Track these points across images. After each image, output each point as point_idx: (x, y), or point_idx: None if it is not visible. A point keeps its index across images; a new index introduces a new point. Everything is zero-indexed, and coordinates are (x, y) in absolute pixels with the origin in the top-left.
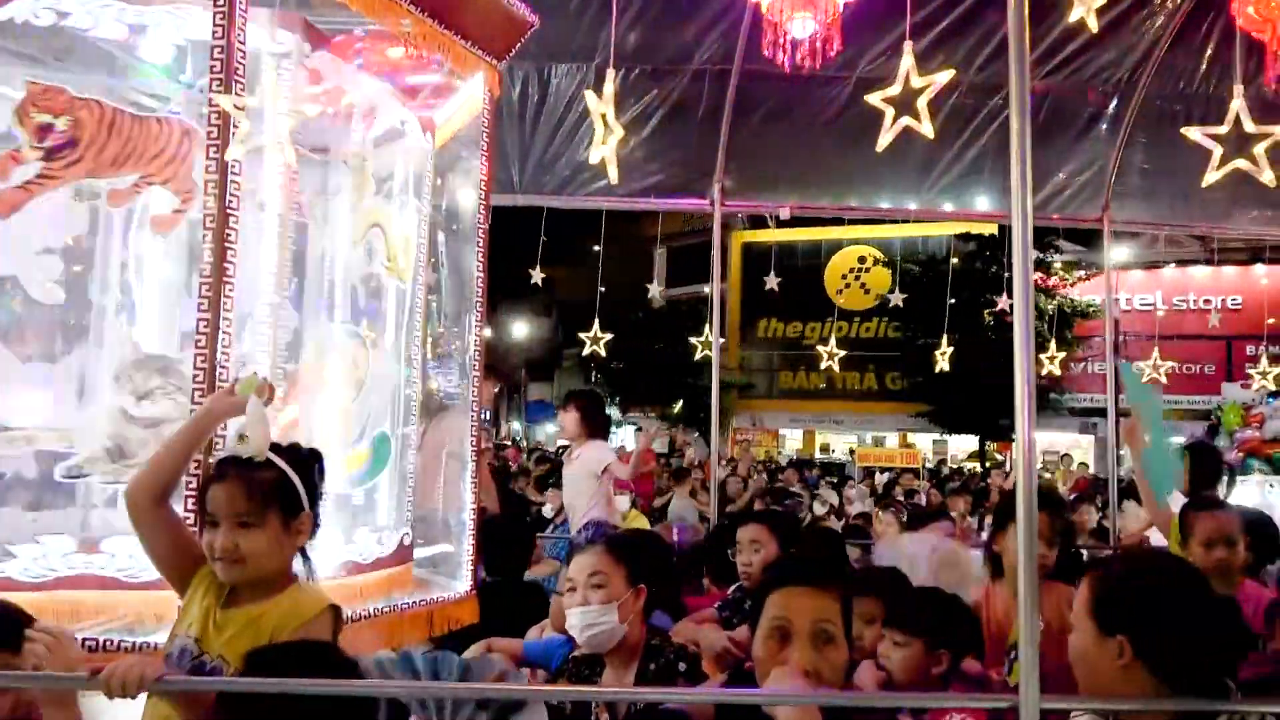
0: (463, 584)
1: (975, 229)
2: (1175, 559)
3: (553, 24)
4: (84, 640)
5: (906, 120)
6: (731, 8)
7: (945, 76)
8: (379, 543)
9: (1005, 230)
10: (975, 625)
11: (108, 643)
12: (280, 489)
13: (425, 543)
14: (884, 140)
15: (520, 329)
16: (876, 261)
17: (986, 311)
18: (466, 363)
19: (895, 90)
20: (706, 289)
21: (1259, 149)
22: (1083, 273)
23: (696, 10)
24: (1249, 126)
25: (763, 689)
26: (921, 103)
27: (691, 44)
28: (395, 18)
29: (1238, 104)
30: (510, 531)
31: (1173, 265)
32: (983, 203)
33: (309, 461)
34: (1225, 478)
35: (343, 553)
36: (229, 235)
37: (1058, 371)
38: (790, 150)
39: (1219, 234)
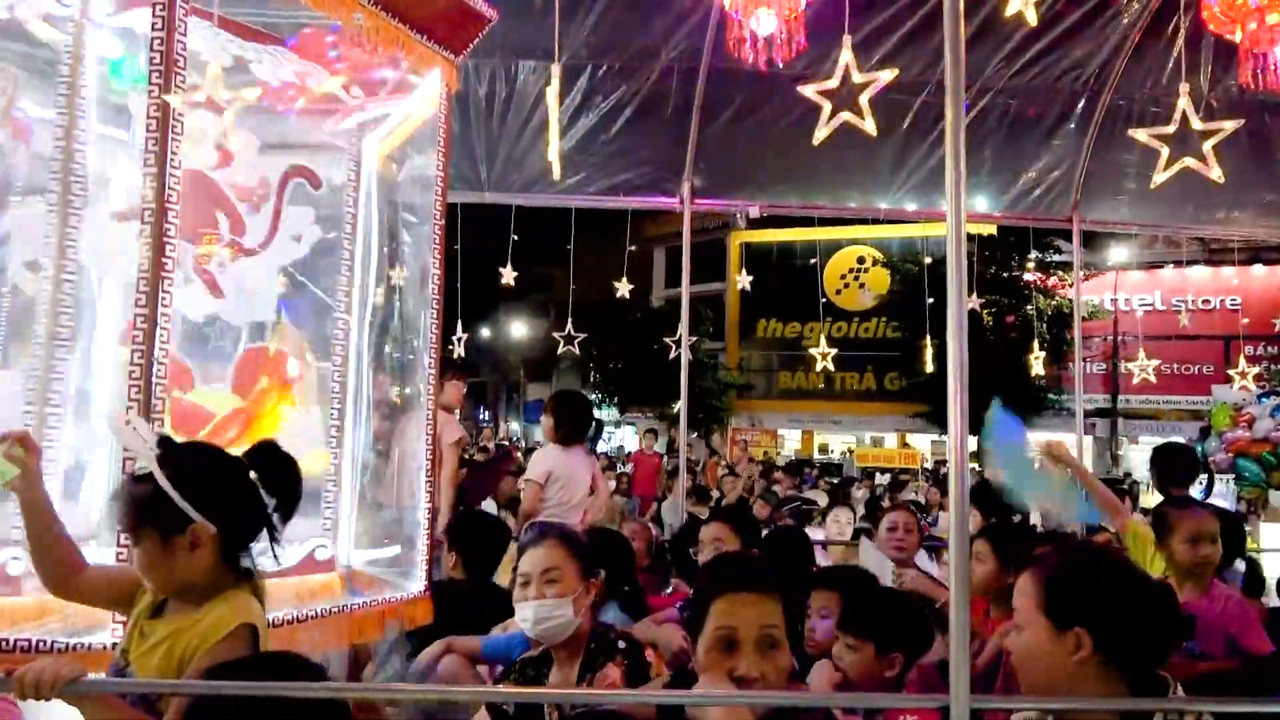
0: (416, 584)
1: (973, 229)
2: (1104, 549)
3: (519, 20)
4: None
5: (846, 115)
6: (698, 5)
7: (888, 75)
8: (331, 543)
9: (1002, 230)
10: (929, 628)
11: (40, 644)
12: (153, 507)
13: (390, 541)
14: (820, 134)
15: (519, 329)
16: (875, 262)
17: (985, 312)
18: (425, 362)
19: (834, 84)
20: (708, 288)
21: (1207, 146)
22: (1083, 273)
23: (664, 7)
24: (1196, 124)
25: (703, 691)
26: (864, 99)
27: (659, 41)
28: (348, 11)
29: (1184, 102)
30: (483, 530)
31: (1170, 266)
32: None
33: (216, 467)
34: (1204, 478)
35: (292, 552)
36: (167, 230)
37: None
38: (759, 149)
39: (1187, 234)
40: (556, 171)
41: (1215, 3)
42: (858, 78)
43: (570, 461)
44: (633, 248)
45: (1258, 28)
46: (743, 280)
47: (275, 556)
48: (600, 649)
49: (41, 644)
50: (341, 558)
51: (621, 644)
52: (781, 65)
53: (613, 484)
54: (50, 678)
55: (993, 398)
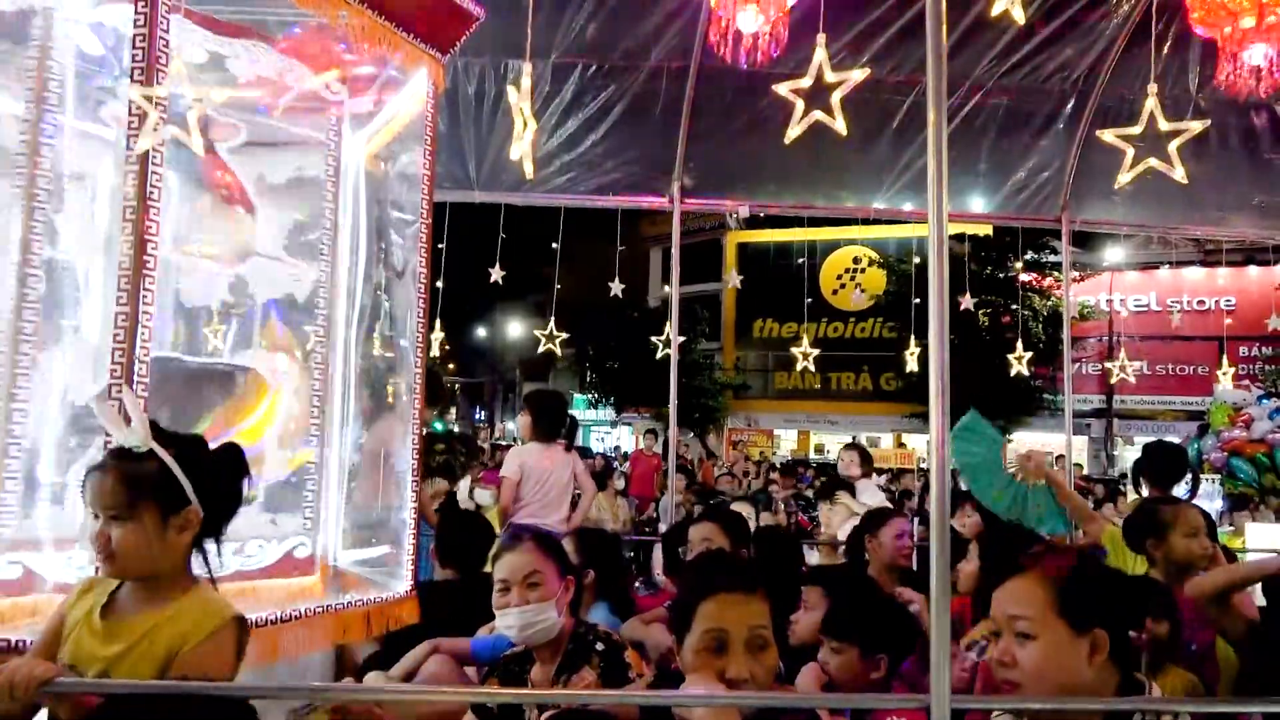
0: (402, 584)
1: (968, 229)
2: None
3: (509, 19)
4: None
5: (818, 114)
6: (688, 4)
7: (860, 74)
8: (314, 542)
9: (998, 230)
10: (914, 629)
11: (20, 644)
12: (158, 482)
13: (376, 541)
14: (791, 133)
15: (515, 328)
16: (872, 262)
17: (982, 312)
18: (410, 361)
19: (806, 83)
20: (704, 288)
21: (1171, 147)
22: (1077, 274)
23: (653, 7)
24: (1162, 124)
25: (687, 692)
26: (835, 98)
27: (649, 41)
28: (333, 9)
29: (1151, 103)
30: (472, 527)
31: (1166, 267)
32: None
33: (205, 455)
34: (1189, 479)
35: (277, 552)
36: (149, 227)
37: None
38: (749, 149)
39: (1176, 235)
40: (529, 171)
41: (1203, 3)
42: (831, 76)
43: (547, 458)
44: (623, 248)
45: (1254, 24)
46: (732, 279)
47: (218, 554)
48: (578, 650)
49: (22, 644)
50: (327, 557)
51: (599, 645)
52: (768, 65)
53: (621, 484)
54: (24, 678)
55: (971, 406)
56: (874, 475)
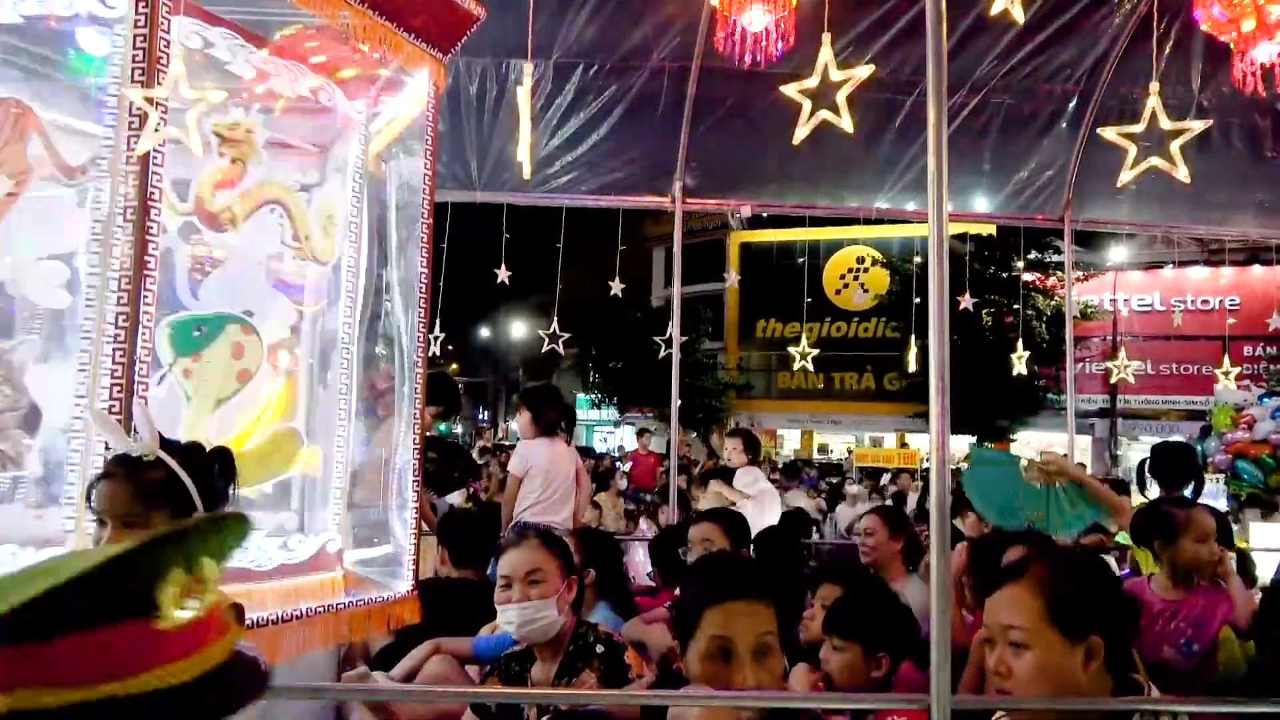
0: (403, 583)
1: (973, 229)
2: (1078, 549)
3: (511, 19)
4: None
5: (824, 114)
6: (689, 4)
7: (865, 71)
8: (315, 542)
9: (1001, 230)
10: (915, 628)
11: None
12: (168, 490)
13: (379, 541)
14: (800, 133)
15: (519, 329)
16: (875, 262)
17: (985, 312)
18: (411, 362)
19: (813, 83)
20: (707, 288)
21: (1174, 146)
22: (1080, 273)
23: (655, 7)
24: (1165, 123)
25: (685, 692)
26: (841, 97)
27: (651, 41)
28: (334, 10)
29: (1154, 101)
30: (475, 526)
31: (1170, 266)
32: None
33: (206, 462)
34: (1194, 481)
35: (276, 553)
36: (150, 228)
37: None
38: (751, 149)
39: (1179, 234)
40: (527, 171)
41: (1214, 2)
42: (836, 75)
43: (552, 454)
44: (625, 247)
45: (1255, 27)
46: (731, 279)
47: None
48: (578, 652)
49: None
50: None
51: (600, 647)
52: (772, 64)
53: (623, 484)
54: None
55: (973, 407)
56: (762, 463)
